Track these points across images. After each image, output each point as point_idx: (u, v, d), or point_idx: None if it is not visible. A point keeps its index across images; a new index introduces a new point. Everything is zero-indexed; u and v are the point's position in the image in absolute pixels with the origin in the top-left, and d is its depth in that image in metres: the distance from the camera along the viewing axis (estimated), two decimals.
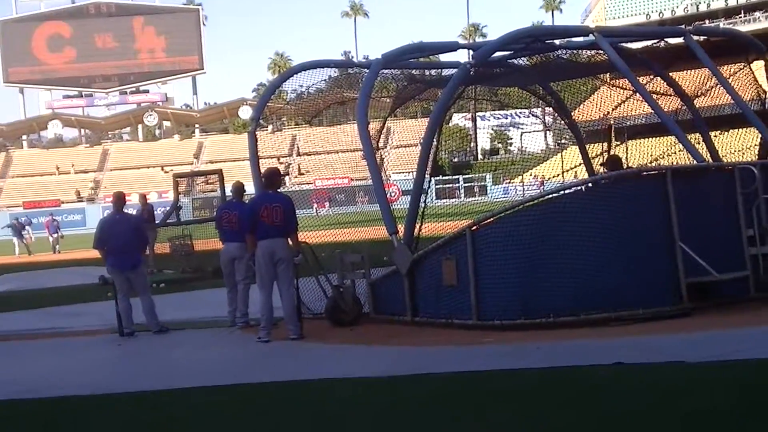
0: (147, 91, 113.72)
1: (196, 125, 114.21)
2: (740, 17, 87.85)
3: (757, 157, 14.25)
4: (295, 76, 15.48)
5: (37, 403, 9.69)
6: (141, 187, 75.37)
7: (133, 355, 13.08)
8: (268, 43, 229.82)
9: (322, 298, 13.77)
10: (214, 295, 19.24)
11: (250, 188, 14.74)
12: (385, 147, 78.44)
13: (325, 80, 15.80)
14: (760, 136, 14.13)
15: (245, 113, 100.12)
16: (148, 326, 14.15)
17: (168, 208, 26.99)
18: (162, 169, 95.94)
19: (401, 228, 12.91)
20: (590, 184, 12.68)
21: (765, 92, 15.26)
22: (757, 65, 15.37)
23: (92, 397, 9.76)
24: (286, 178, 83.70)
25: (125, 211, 15.07)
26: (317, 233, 14.62)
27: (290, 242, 12.68)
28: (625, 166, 16.11)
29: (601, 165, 15.71)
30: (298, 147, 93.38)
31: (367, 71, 14.21)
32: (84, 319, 16.43)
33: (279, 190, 13.12)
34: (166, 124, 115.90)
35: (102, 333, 14.56)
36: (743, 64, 15.46)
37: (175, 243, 24.24)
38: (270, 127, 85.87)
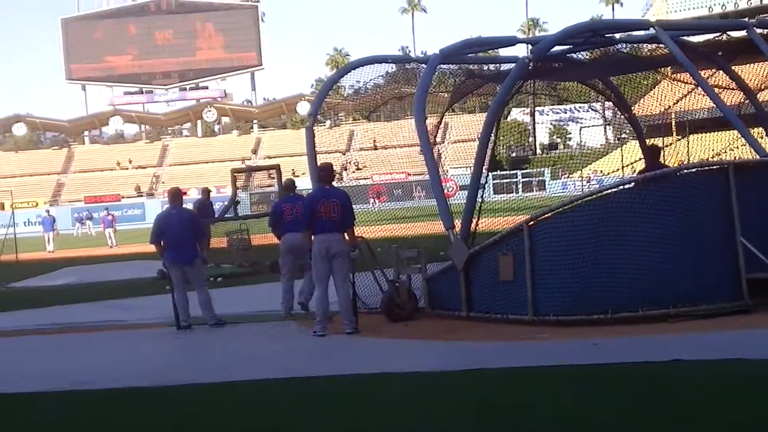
0: (206, 88, 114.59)
1: (255, 121, 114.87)
2: None
3: None
4: (352, 71, 15.46)
5: (96, 393, 9.88)
6: (199, 182, 75.94)
7: (189, 348, 13.18)
8: (326, 39, 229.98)
9: (378, 293, 13.76)
10: (271, 289, 19.39)
11: (306, 183, 14.80)
12: (443, 142, 78.19)
13: (382, 76, 15.79)
14: None
15: (303, 109, 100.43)
16: (204, 319, 14.24)
17: (226, 203, 27.13)
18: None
19: (458, 223, 12.86)
20: (650, 179, 12.45)
21: None
22: None
23: (148, 389, 9.88)
24: (344, 173, 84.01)
25: (183, 206, 15.23)
26: (374, 228, 14.61)
27: (347, 237, 12.69)
28: (662, 156, 16.00)
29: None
30: (355, 142, 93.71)
31: (425, 66, 14.17)
32: (142, 312, 16.60)
33: (335, 185, 13.14)
34: (225, 119, 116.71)
35: (160, 326, 14.68)
36: None
37: (232, 237, 24.39)
38: (328, 123, 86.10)
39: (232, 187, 26.58)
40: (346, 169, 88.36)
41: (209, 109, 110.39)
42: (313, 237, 12.63)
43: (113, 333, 14.69)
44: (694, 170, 12.59)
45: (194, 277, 14.44)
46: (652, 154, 15.61)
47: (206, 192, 26.45)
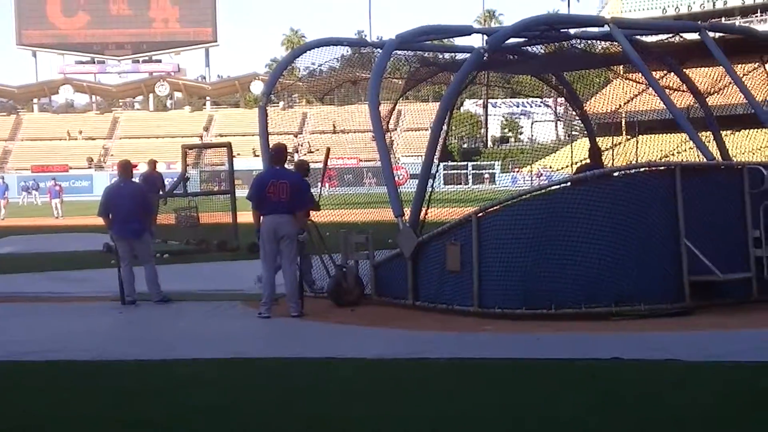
0: (159, 61, 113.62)
1: (208, 98, 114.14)
2: (756, 16, 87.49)
3: (767, 158, 14.22)
4: (308, 52, 15.43)
5: (36, 365, 9.82)
6: (149, 157, 75.33)
7: (131, 323, 13.11)
8: (282, 19, 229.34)
9: (325, 277, 13.77)
10: (217, 268, 19.34)
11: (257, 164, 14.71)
12: (395, 129, 78.38)
13: (337, 59, 15.76)
14: None
15: (257, 88, 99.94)
16: (149, 295, 14.16)
17: (176, 179, 26.96)
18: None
19: (407, 211, 12.90)
20: (598, 176, 12.58)
21: None
22: None
23: (87, 363, 9.87)
24: (296, 156, 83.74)
25: (131, 180, 15.14)
26: (323, 212, 14.60)
27: (296, 219, 12.66)
28: (604, 158, 16.25)
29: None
30: (308, 125, 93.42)
31: (381, 51, 14.17)
32: (87, 285, 16.46)
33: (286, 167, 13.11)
34: (178, 95, 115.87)
35: (104, 300, 14.57)
36: (758, 63, 15.41)
37: (180, 214, 24.26)
38: (281, 104, 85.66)
39: (182, 164, 26.42)
40: (297, 152, 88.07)
41: (162, 83, 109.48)
42: (261, 218, 12.60)
43: (54, 305, 14.51)
44: (641, 170, 12.72)
45: (141, 251, 14.35)
46: (594, 155, 15.87)
47: (152, 163, 26.12)
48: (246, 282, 15.01)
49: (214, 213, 24.11)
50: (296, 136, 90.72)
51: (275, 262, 12.61)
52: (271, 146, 13.69)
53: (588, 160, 15.90)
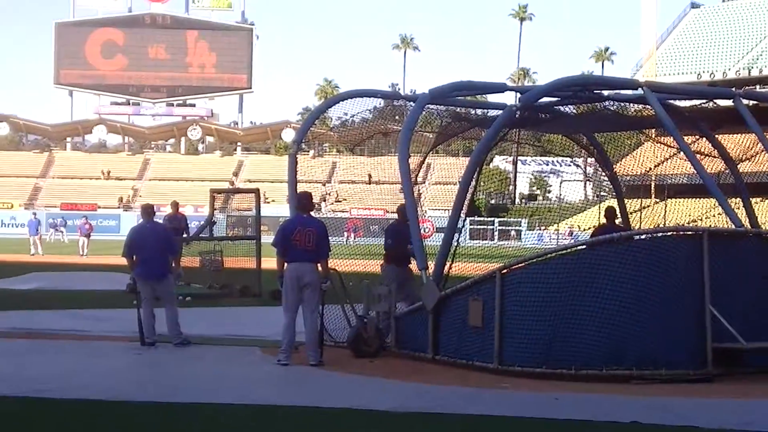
0: (193, 105, 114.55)
1: (239, 143, 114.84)
2: None
3: None
4: (340, 103, 15.51)
5: (51, 403, 9.84)
6: (178, 199, 75.77)
7: (149, 365, 13.08)
8: (316, 68, 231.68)
9: (346, 327, 13.72)
10: (239, 313, 19.32)
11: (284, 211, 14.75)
12: (424, 182, 78.52)
13: (370, 110, 15.81)
14: None
15: (288, 136, 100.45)
16: (169, 338, 14.15)
17: (202, 222, 27.04)
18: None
19: (432, 264, 12.86)
20: (624, 239, 12.50)
21: None
22: None
23: (100, 402, 9.87)
24: (323, 204, 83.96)
25: (156, 221, 15.23)
26: (347, 261, 14.57)
27: (320, 267, 12.66)
28: (632, 220, 16.23)
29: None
30: (337, 174, 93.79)
31: (413, 105, 14.22)
32: (108, 324, 16.46)
33: (312, 215, 13.13)
34: (210, 139, 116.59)
35: (124, 340, 14.57)
36: None
37: (205, 258, 24.29)
38: (311, 152, 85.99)
39: (209, 208, 26.50)
40: (325, 200, 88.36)
41: (194, 127, 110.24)
42: (285, 265, 12.59)
43: (74, 343, 14.52)
44: (669, 234, 12.65)
45: (164, 293, 14.37)
46: (608, 216, 15.89)
47: (175, 205, 26.18)
48: (267, 328, 14.96)
49: (239, 258, 24.13)
50: (324, 185, 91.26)
51: (297, 309, 12.58)
52: (297, 194, 13.72)
53: (604, 221, 15.93)
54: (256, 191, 25.04)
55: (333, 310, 13.69)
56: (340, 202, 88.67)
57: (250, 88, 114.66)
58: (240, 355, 13.47)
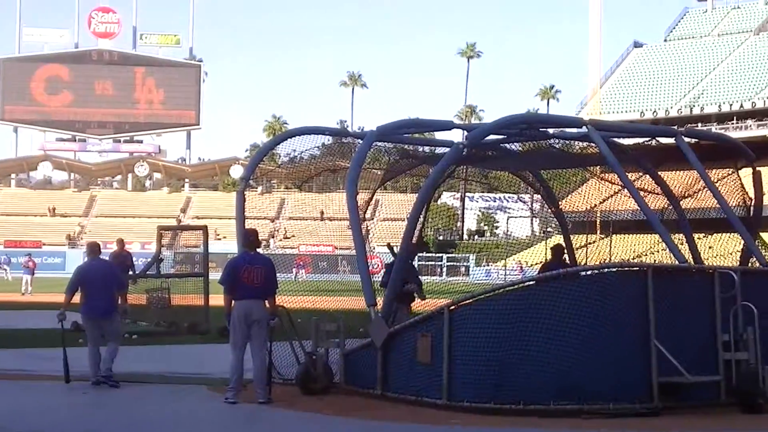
0: (141, 142, 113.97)
1: (187, 180, 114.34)
2: (732, 123, 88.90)
3: (738, 262, 14.34)
4: (289, 139, 15.54)
5: None
6: (124, 236, 75.12)
7: (94, 404, 12.91)
8: (265, 105, 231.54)
9: (295, 364, 13.68)
10: (186, 351, 19.17)
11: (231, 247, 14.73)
12: (372, 219, 78.59)
13: (318, 147, 15.88)
14: (742, 242, 14.23)
15: (236, 172, 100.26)
16: (97, 372, 13.87)
17: (149, 259, 26.84)
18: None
19: (380, 300, 12.89)
20: (570, 275, 12.66)
21: (751, 199, 15.41)
22: (746, 172, 15.54)
23: None
24: (271, 241, 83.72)
25: (101, 258, 15.11)
26: (295, 298, 14.55)
27: (267, 304, 12.65)
28: (578, 256, 16.53)
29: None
30: (285, 210, 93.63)
31: (361, 142, 14.31)
32: (53, 363, 16.19)
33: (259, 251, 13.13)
34: (157, 175, 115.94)
35: (71, 379, 14.36)
36: (732, 169, 15.62)
37: (152, 295, 24.10)
38: (260, 188, 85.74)
39: (157, 245, 26.33)
40: (273, 237, 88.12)
41: (142, 164, 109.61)
42: (233, 302, 12.56)
43: (17, 383, 14.33)
44: (615, 270, 12.80)
45: (110, 331, 14.20)
46: (556, 253, 16.12)
47: (121, 242, 25.90)
48: (215, 366, 14.88)
49: (187, 295, 23.97)
50: (273, 221, 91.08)
51: (245, 346, 12.53)
52: (244, 231, 13.71)
53: (551, 258, 16.13)
54: (204, 228, 24.92)
55: (281, 347, 13.66)
56: (288, 238, 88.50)
57: (198, 124, 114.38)
58: (187, 393, 13.37)
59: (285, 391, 13.09)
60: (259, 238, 13.50)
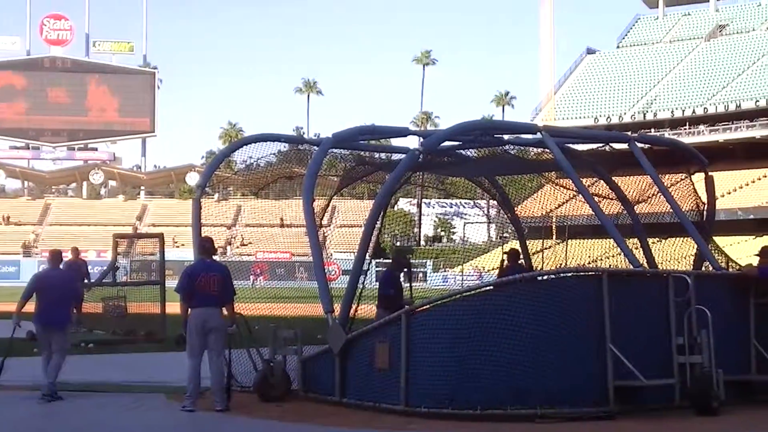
0: (95, 149, 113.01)
1: (142, 187, 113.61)
2: (685, 129, 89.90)
3: (692, 266, 14.51)
4: (245, 147, 15.52)
5: None
6: (80, 244, 74.51)
7: (49, 415, 12.76)
8: (221, 112, 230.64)
9: (253, 371, 13.65)
10: (144, 359, 19.05)
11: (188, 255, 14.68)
12: (329, 225, 78.56)
13: (275, 154, 15.87)
14: (696, 246, 14.40)
15: (192, 179, 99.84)
16: (40, 383, 13.72)
17: (105, 268, 26.66)
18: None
19: (338, 307, 12.91)
20: (527, 280, 12.76)
21: (704, 204, 15.59)
22: (698, 177, 15.72)
23: None
24: (228, 248, 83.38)
25: (60, 267, 14.94)
26: (253, 305, 14.52)
27: (225, 312, 12.62)
28: (534, 261, 16.71)
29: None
30: (242, 217, 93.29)
31: (317, 149, 14.32)
32: (7, 373, 16.03)
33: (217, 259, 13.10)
34: (112, 183, 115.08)
35: (24, 390, 14.21)
36: (685, 174, 15.79)
37: (108, 304, 23.92)
38: (216, 196, 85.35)
39: (112, 253, 26.15)
40: (230, 244, 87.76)
41: (96, 172, 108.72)
42: (189, 310, 12.52)
43: None
44: (570, 275, 12.91)
45: (58, 342, 13.88)
46: (511, 257, 16.27)
47: (75, 251, 25.65)
48: (172, 374, 14.80)
49: (143, 303, 23.82)
50: (230, 229, 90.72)
51: (202, 354, 12.49)
52: (200, 238, 13.66)
53: (507, 262, 16.26)
54: (160, 236, 24.80)
55: (239, 354, 13.63)
56: (245, 245, 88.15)
57: (153, 131, 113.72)
58: (145, 402, 13.28)
59: (243, 398, 13.06)
60: (216, 245, 13.48)
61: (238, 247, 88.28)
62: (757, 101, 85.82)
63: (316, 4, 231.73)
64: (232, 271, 13.12)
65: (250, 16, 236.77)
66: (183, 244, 71.31)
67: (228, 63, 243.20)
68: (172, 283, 16.85)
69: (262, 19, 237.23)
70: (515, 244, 18.04)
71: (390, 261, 15.38)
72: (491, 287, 13.01)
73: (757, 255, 14.15)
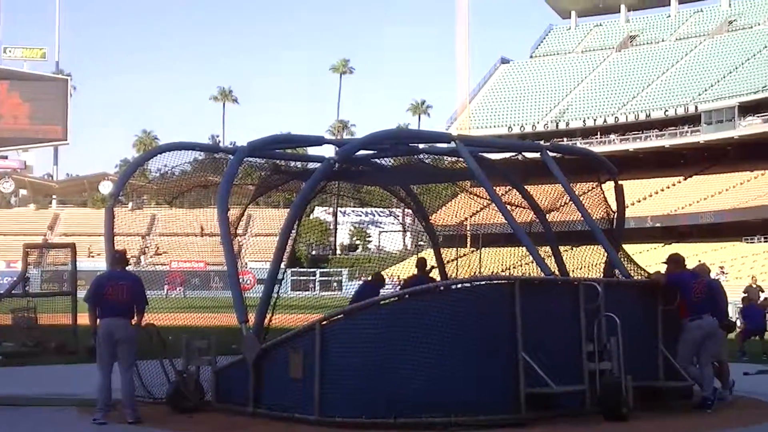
0: (5, 157, 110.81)
1: (54, 196, 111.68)
2: (596, 138, 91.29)
3: (602, 274, 14.76)
4: (160, 155, 15.37)
5: None
6: None
7: None
8: (135, 120, 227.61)
9: (166, 383, 13.51)
10: (55, 371, 18.74)
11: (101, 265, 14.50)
12: (245, 234, 78.02)
13: (190, 162, 15.75)
14: (606, 254, 14.64)
15: (106, 188, 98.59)
16: None
17: (15, 279, 26.15)
18: None
19: (252, 317, 12.84)
20: (441, 288, 12.86)
21: (614, 212, 15.86)
22: (609, 185, 15.99)
23: None
24: (142, 257, 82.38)
25: None
26: (166, 315, 14.37)
27: (133, 322, 12.47)
28: (449, 269, 16.91)
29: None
30: (156, 227, 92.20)
31: (233, 157, 14.25)
32: None
33: (128, 269, 12.97)
34: (23, 192, 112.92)
35: None
36: (595, 183, 16.05)
37: (18, 315, 23.47)
38: (130, 204, 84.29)
39: (23, 263, 25.67)
40: (144, 253, 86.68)
41: (7, 180, 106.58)
42: (98, 320, 12.36)
43: None
44: (484, 282, 13.03)
45: None
46: (419, 266, 16.41)
47: None
48: (84, 386, 14.57)
49: (54, 314, 23.42)
50: (144, 238, 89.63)
51: (112, 366, 12.33)
52: (113, 249, 13.51)
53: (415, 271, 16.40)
54: (72, 246, 24.42)
55: (152, 365, 13.48)
56: (160, 254, 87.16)
57: (66, 139, 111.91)
58: (55, 415, 13.06)
59: (156, 410, 12.92)
60: (128, 255, 13.32)
61: (152, 257, 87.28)
62: (666, 111, 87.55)
63: (232, 12, 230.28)
64: (145, 281, 12.97)
65: (166, 23, 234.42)
66: (98, 254, 70.28)
67: (143, 71, 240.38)
68: (84, 293, 16.63)
69: (178, 26, 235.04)
70: (430, 253, 18.16)
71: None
72: (406, 296, 13.06)
73: (665, 263, 14.43)
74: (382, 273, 17.06)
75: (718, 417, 12.89)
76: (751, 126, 79.41)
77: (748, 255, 65.50)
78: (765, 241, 68.18)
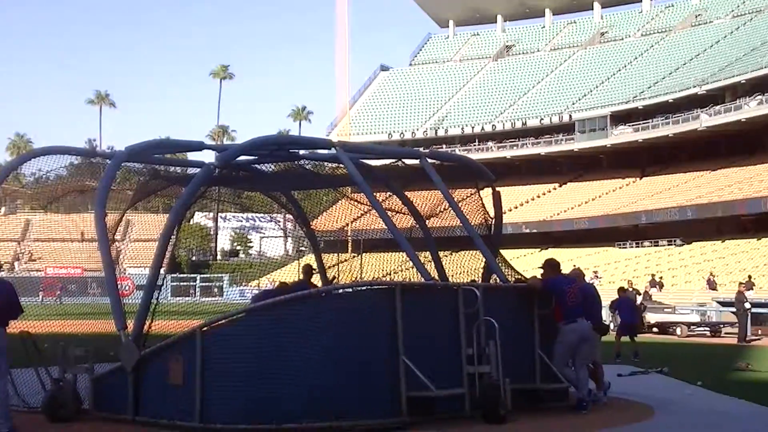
0: None
1: None
2: (475, 145, 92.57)
3: (481, 279, 15.01)
4: (34, 159, 15.04)
5: None
6: None
7: None
8: (7, 123, 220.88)
9: (41, 391, 13.22)
10: None
11: None
12: (123, 240, 76.69)
13: (66, 167, 15.46)
14: (484, 259, 14.89)
15: None
16: None
17: None
18: None
19: (131, 323, 12.67)
20: (323, 294, 12.91)
21: (491, 218, 16.14)
22: (486, 192, 16.27)
23: None
24: (16, 264, 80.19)
25: None
26: (42, 323, 14.07)
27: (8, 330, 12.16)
28: (330, 274, 17.02)
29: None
30: (31, 232, 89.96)
31: (110, 162, 14.05)
32: None
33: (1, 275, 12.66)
34: None
35: None
36: (474, 189, 16.31)
37: None
38: (3, 209, 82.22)
39: None
40: (18, 260, 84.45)
41: None
42: None
43: None
44: (365, 288, 13.13)
45: None
46: (305, 272, 16.48)
47: None
48: None
49: None
50: (18, 244, 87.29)
51: None
52: None
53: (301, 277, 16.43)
54: None
55: (26, 373, 13.18)
56: (35, 261, 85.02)
57: None
58: None
59: (31, 419, 12.63)
60: (1, 261, 13.01)
61: (26, 263, 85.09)
62: (542, 119, 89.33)
63: (109, 15, 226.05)
64: (20, 288, 12.66)
65: (39, 23, 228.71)
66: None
67: (16, 73, 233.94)
68: None
69: (53, 27, 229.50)
70: (312, 258, 18.19)
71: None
72: (287, 301, 13.06)
73: (541, 267, 14.74)
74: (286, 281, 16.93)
75: (594, 418, 13.25)
76: (622, 135, 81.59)
77: (621, 260, 67.29)
78: (636, 247, 70.13)
